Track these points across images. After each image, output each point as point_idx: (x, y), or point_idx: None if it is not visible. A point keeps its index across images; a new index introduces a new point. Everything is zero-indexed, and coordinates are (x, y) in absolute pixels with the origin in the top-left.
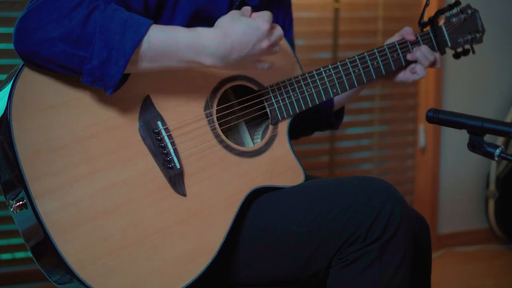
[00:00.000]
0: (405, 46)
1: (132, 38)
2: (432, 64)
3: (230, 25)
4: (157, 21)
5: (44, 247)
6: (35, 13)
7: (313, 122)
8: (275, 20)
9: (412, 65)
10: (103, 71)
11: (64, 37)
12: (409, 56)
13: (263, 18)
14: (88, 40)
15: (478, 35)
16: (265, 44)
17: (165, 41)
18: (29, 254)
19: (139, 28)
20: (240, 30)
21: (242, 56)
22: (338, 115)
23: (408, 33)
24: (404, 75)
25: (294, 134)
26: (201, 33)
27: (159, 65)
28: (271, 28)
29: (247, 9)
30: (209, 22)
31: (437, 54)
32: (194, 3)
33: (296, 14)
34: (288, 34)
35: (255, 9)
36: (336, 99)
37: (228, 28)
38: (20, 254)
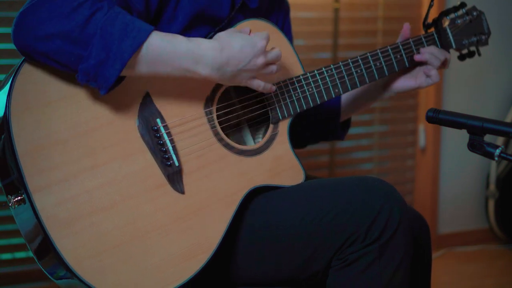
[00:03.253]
0: (409, 47)
1: (131, 43)
2: (443, 65)
3: (227, 39)
4: (158, 22)
5: (42, 243)
6: (36, 8)
7: (319, 131)
8: (275, 22)
9: (417, 69)
10: (99, 71)
11: (63, 35)
12: (417, 57)
13: (260, 36)
14: (87, 41)
15: (483, 37)
16: (261, 61)
17: (163, 48)
18: (30, 254)
19: (139, 33)
20: (237, 44)
21: (238, 70)
22: (344, 126)
23: (405, 29)
24: (415, 82)
25: (299, 142)
26: (200, 43)
27: (156, 71)
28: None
29: (246, 29)
30: (210, 22)
31: (448, 54)
32: (196, 4)
33: (296, 14)
34: (288, 35)
35: (255, 11)
36: (344, 109)
37: (225, 41)
38: (20, 254)
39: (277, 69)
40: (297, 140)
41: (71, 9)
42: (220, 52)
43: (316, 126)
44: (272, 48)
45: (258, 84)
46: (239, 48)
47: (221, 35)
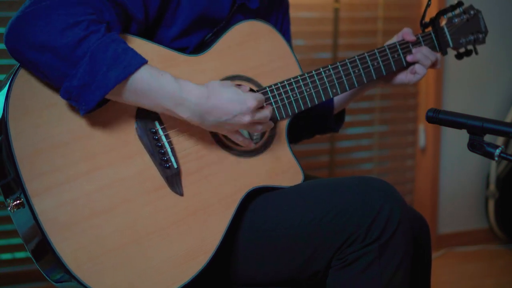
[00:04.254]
0: (406, 46)
1: (118, 73)
2: (433, 65)
3: (218, 89)
4: (157, 27)
5: (41, 246)
6: (34, 15)
7: (313, 125)
8: (274, 23)
9: (411, 67)
10: (80, 94)
11: (54, 50)
12: (409, 58)
13: (253, 96)
14: (76, 61)
15: (480, 36)
16: (246, 119)
17: (148, 84)
18: (29, 254)
19: (129, 66)
20: (226, 97)
21: (220, 122)
22: (338, 118)
23: (407, 33)
24: (405, 77)
25: (294, 137)
26: (186, 86)
27: (137, 103)
28: (260, 107)
29: (245, 87)
30: (210, 24)
31: (438, 55)
32: (195, 7)
33: (296, 14)
34: (287, 35)
35: (255, 12)
36: (336, 101)
37: (215, 90)
38: (20, 254)
39: (264, 129)
40: (292, 135)
41: (67, 26)
42: (206, 99)
43: (310, 120)
44: (262, 108)
45: (237, 138)
46: (227, 101)
47: (214, 83)
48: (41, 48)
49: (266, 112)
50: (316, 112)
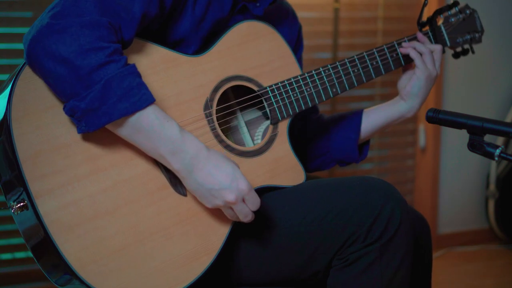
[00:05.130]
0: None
1: (127, 106)
2: (432, 56)
3: (219, 156)
4: (167, 24)
5: (44, 247)
6: (64, 28)
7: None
8: (284, 35)
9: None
10: (84, 116)
11: (72, 67)
12: (402, 50)
13: (248, 184)
14: (90, 84)
15: (477, 35)
16: (230, 197)
17: (152, 125)
18: (29, 254)
19: (139, 101)
20: (223, 168)
21: (204, 188)
22: (360, 150)
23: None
24: (410, 77)
25: (313, 168)
26: (188, 138)
27: (134, 141)
28: (250, 197)
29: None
30: (212, 26)
31: (434, 46)
32: (197, 11)
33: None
34: (298, 53)
35: (259, 19)
36: (364, 132)
37: (216, 155)
38: (20, 254)
39: (250, 219)
40: (309, 158)
41: (91, 48)
42: (203, 158)
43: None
44: (252, 199)
45: (228, 213)
46: (221, 170)
47: (217, 152)
48: (61, 61)
49: (257, 200)
50: (338, 133)
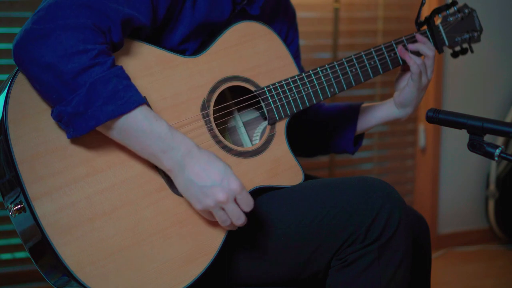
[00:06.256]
0: (403, 45)
1: (113, 109)
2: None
3: (211, 155)
4: (161, 33)
5: (42, 249)
6: (48, 33)
7: (331, 144)
8: (278, 32)
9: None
10: (71, 121)
11: (57, 72)
12: (400, 54)
13: (239, 181)
14: (75, 88)
15: (476, 34)
16: (221, 196)
17: (141, 126)
18: (30, 256)
19: (126, 104)
20: (215, 165)
21: (197, 184)
22: (356, 142)
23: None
24: (407, 77)
25: (309, 152)
26: (178, 136)
27: (124, 142)
28: (242, 197)
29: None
30: (211, 29)
31: (429, 52)
32: (196, 16)
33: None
34: (292, 46)
35: (257, 18)
36: (359, 130)
37: (207, 153)
38: (20, 254)
39: (243, 222)
40: (308, 150)
41: (75, 52)
42: (194, 154)
43: (328, 140)
44: (246, 202)
45: (220, 216)
46: (213, 167)
47: (209, 152)
48: (45, 67)
49: (250, 200)
50: (335, 131)
